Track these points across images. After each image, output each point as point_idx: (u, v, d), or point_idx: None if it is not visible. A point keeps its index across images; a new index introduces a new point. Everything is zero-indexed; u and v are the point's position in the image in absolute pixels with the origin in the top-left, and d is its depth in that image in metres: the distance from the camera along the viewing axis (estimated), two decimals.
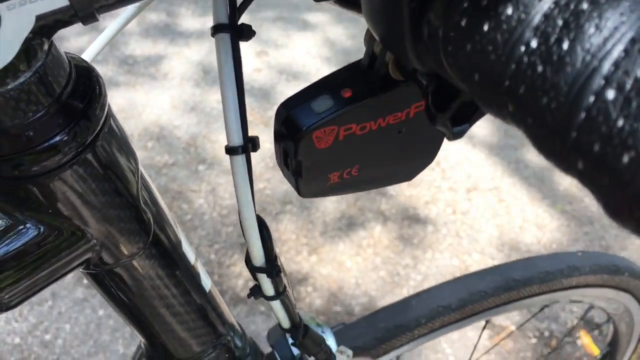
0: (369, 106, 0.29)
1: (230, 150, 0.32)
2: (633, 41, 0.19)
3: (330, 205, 1.67)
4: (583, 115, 0.18)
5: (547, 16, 0.20)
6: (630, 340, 0.89)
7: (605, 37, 0.19)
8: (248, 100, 2.02)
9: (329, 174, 0.32)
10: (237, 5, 0.33)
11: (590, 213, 1.68)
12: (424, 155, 0.36)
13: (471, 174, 1.81)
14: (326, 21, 2.57)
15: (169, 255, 0.36)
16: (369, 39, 0.30)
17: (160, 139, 1.92)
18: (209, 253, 1.54)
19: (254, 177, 0.46)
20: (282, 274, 0.38)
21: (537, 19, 0.21)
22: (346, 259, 1.52)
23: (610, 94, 0.18)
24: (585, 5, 0.20)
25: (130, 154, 0.31)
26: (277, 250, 0.38)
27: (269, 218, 1.62)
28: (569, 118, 0.18)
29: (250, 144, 0.32)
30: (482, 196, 1.73)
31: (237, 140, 0.31)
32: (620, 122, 0.17)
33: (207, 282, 0.40)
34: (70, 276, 1.36)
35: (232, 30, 0.32)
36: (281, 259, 0.40)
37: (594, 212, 1.68)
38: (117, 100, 2.03)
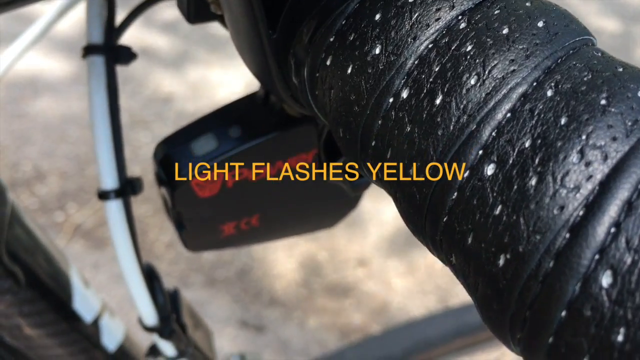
0: (264, 148, 0.24)
1: (102, 195, 0.26)
2: (524, 98, 0.13)
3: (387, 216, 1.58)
4: (454, 195, 0.13)
5: (422, 59, 0.14)
6: None
7: (488, 92, 0.13)
8: None
9: (220, 225, 0.26)
10: (117, 25, 0.28)
11: None
12: (345, 198, 0.29)
13: None
14: None
15: (48, 318, 0.30)
16: None
17: None
18: None
19: None
20: (183, 331, 0.32)
21: (410, 62, 0.14)
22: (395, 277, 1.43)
23: (489, 170, 0.13)
24: (469, 47, 0.14)
25: None
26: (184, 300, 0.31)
27: None
28: (440, 196, 0.14)
29: (130, 187, 0.26)
30: None
31: (112, 183, 0.25)
32: (498, 210, 0.12)
33: (114, 339, 0.33)
34: None
35: (107, 53, 0.27)
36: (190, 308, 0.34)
37: None
38: (192, 77, 2.03)
